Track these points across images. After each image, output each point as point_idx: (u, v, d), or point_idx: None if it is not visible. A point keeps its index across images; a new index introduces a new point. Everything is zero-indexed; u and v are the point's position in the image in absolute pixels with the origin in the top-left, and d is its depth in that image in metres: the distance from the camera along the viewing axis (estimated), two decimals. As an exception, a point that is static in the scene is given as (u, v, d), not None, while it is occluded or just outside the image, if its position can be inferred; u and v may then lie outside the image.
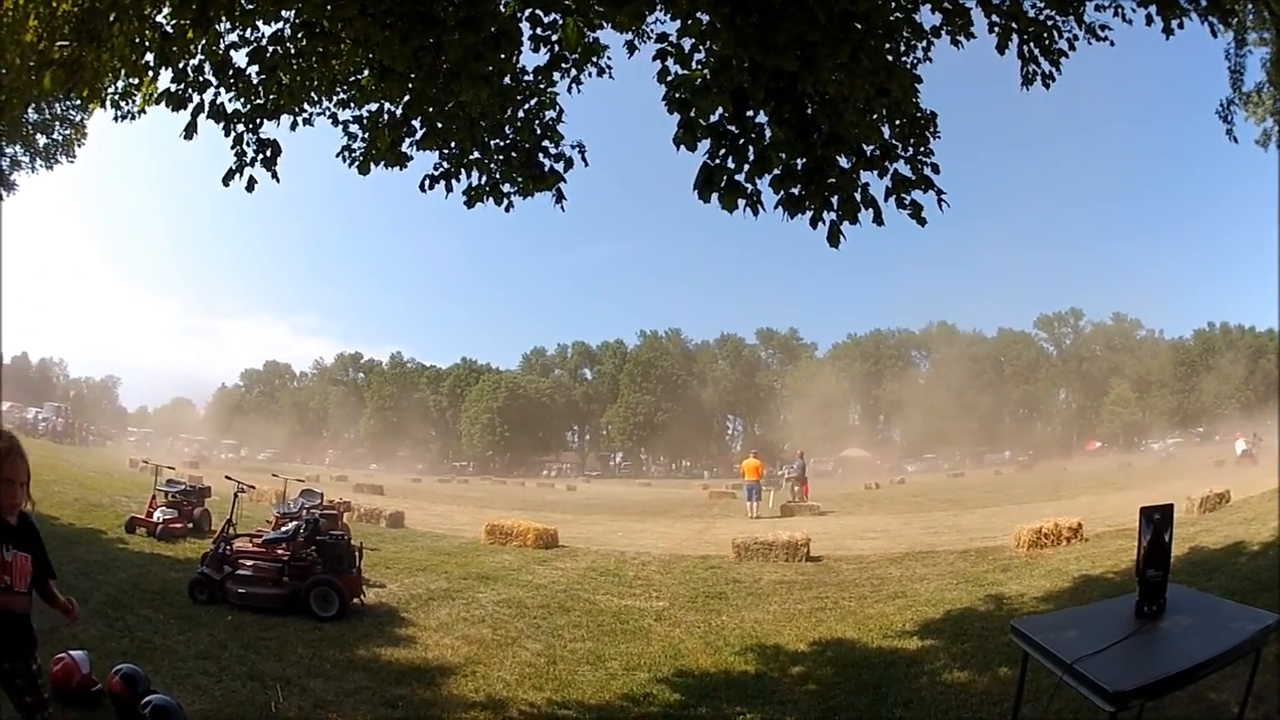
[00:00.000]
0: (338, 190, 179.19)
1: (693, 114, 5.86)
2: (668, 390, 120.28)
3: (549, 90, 8.82)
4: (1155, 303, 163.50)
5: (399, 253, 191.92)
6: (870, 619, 12.31)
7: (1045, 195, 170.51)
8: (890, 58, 7.21)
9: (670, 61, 6.28)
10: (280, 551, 12.98)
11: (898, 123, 7.31)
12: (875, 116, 7.00)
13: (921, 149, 7.29)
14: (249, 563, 12.86)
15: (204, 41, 8.18)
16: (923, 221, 6.53)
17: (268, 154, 8.56)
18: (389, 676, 9.76)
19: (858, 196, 6.26)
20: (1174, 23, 8.65)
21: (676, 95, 6.02)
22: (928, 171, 6.93)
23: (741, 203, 5.87)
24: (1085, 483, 38.48)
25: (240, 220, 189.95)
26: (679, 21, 6.34)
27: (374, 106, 8.90)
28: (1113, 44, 8.66)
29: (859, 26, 5.90)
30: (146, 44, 8.13)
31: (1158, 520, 5.26)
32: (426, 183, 8.74)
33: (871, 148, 6.58)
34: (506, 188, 8.87)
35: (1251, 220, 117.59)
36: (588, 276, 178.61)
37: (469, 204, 8.76)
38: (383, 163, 8.82)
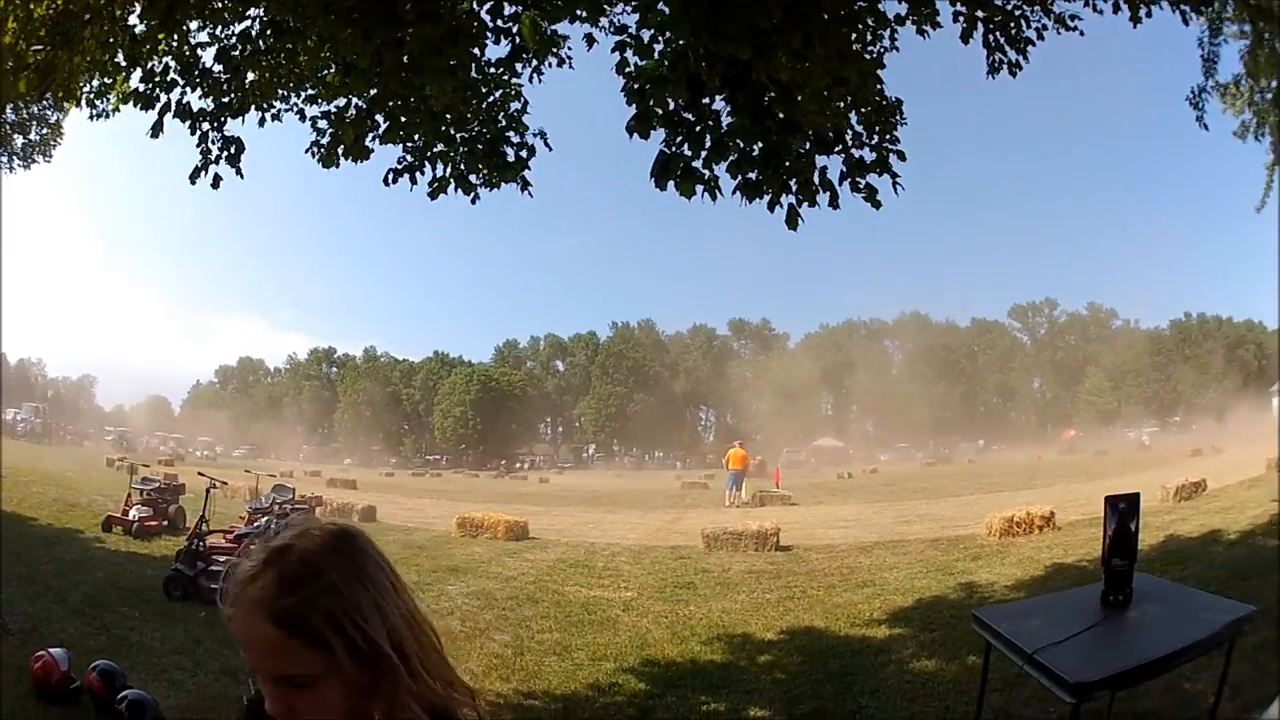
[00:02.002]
0: (315, 186, 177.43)
1: (650, 104, 5.82)
2: (640, 381, 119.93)
3: (513, 82, 8.85)
4: (1131, 293, 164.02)
5: (374, 248, 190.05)
6: (839, 608, 12.32)
7: (1018, 185, 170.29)
8: (857, 46, 7.20)
9: (630, 53, 6.26)
10: (252, 547, 12.90)
11: (863, 110, 7.28)
12: (841, 104, 6.96)
13: (888, 136, 7.26)
14: (222, 558, 12.89)
15: (172, 41, 8.19)
16: (877, 205, 6.61)
17: (232, 151, 8.65)
18: (359, 668, 9.70)
19: (816, 180, 6.24)
20: (1142, 11, 8.62)
21: (635, 86, 5.97)
22: (893, 159, 6.94)
23: (700, 189, 5.84)
24: (1060, 471, 38.55)
25: (217, 217, 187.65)
26: (639, 14, 6.31)
27: (342, 102, 8.87)
28: (1082, 34, 8.62)
29: (810, 14, 5.86)
30: (118, 45, 8.16)
31: (1123, 509, 5.24)
32: (390, 176, 8.76)
33: (827, 132, 6.56)
34: (473, 179, 8.82)
35: (1227, 211, 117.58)
36: (559, 267, 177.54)
37: (433, 196, 8.79)
38: (349, 157, 8.77)
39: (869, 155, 6.93)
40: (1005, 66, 8.62)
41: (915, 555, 15.94)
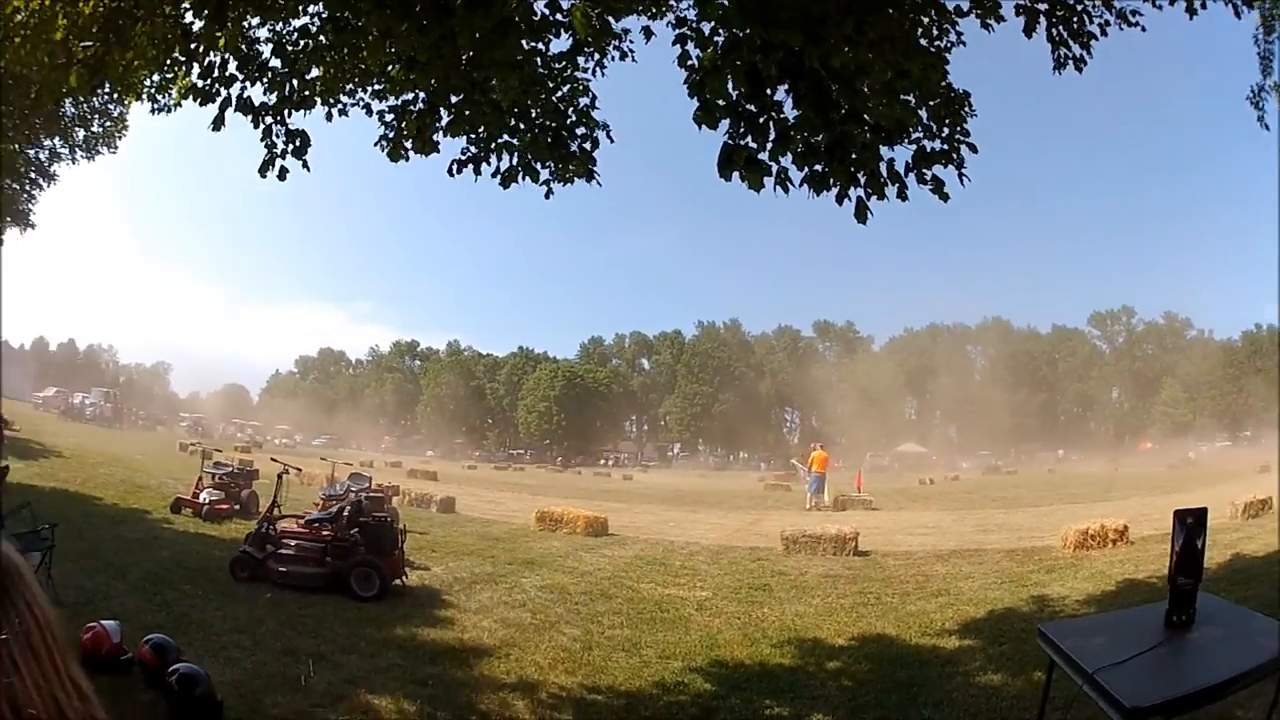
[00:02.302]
0: (396, 180, 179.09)
1: (708, 95, 5.91)
2: (725, 381, 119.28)
3: (579, 76, 8.89)
4: (1206, 301, 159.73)
5: (456, 242, 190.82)
6: (911, 616, 12.25)
7: (1092, 184, 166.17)
8: (924, 42, 7.25)
9: (691, 45, 6.35)
10: (324, 532, 13.26)
11: (932, 103, 7.32)
12: (911, 98, 7.00)
13: (958, 129, 7.31)
14: (292, 542, 13.19)
15: (226, 37, 8.36)
16: (945, 197, 6.58)
17: (297, 144, 8.73)
18: (422, 655, 9.94)
19: (883, 171, 6.30)
20: (1198, 3, 8.64)
21: (696, 79, 6.07)
22: (964, 151, 7.00)
23: (771, 182, 5.92)
24: (1135, 483, 37.91)
25: (295, 209, 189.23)
26: (698, 7, 6.42)
27: (409, 96, 8.98)
28: (1144, 29, 8.60)
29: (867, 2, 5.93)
30: (173, 41, 8.36)
31: (1190, 524, 5.16)
32: (454, 167, 8.79)
33: (893, 123, 6.61)
34: (544, 174, 8.92)
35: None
36: (645, 266, 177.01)
37: (504, 185, 8.77)
38: (416, 151, 8.93)
39: (939, 147, 6.98)
40: (1070, 62, 8.65)
41: (991, 565, 15.77)
